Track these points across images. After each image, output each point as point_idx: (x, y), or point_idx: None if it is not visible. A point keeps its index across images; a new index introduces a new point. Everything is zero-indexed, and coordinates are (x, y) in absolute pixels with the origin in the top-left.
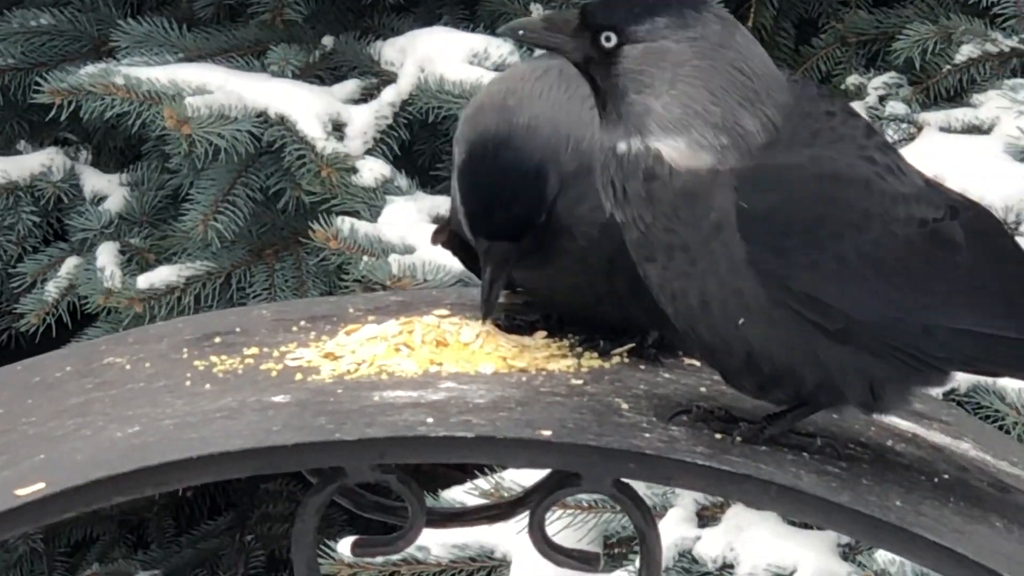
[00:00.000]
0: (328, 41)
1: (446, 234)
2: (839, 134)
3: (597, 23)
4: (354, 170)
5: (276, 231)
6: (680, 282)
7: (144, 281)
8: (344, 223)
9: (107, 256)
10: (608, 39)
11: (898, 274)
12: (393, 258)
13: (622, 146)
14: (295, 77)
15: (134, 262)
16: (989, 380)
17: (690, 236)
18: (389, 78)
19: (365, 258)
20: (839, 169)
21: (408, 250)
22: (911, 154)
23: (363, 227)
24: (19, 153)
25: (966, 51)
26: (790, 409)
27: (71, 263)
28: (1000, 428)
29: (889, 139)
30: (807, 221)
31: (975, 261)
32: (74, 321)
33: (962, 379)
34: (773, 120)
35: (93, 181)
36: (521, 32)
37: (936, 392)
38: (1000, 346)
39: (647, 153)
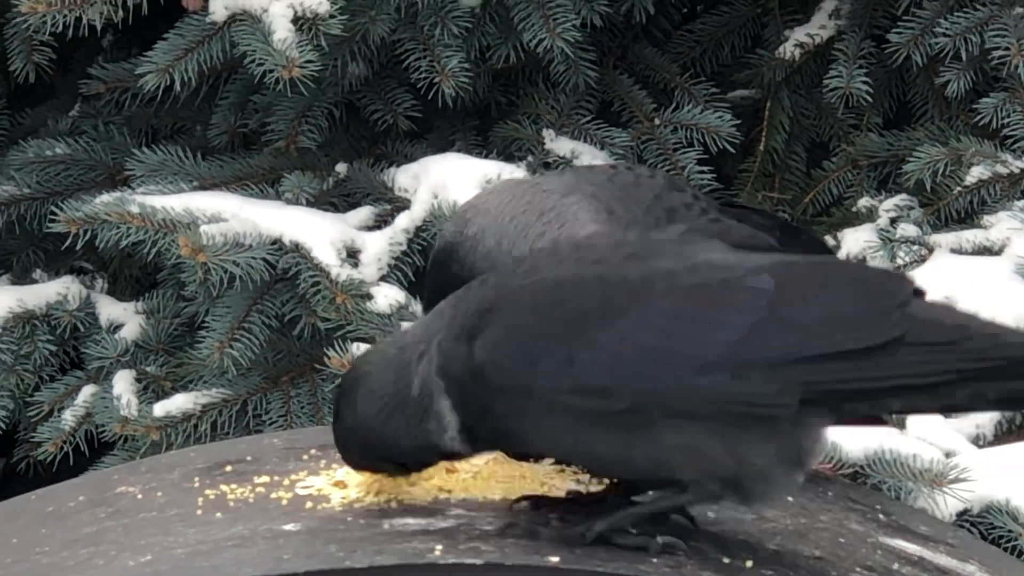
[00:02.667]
0: (342, 168)
1: None
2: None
3: None
4: (369, 296)
5: (292, 358)
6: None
7: (160, 409)
8: (359, 349)
9: (123, 384)
10: None
11: (672, 334)
12: None
13: None
14: (309, 204)
15: (150, 390)
16: (1001, 499)
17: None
18: (403, 204)
19: None
20: (566, 277)
21: None
22: (923, 275)
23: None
24: (35, 282)
25: (976, 173)
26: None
27: (87, 391)
28: (1013, 548)
29: (900, 262)
30: (540, 330)
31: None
32: (91, 449)
33: (975, 499)
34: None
35: (109, 309)
36: None
37: (921, 506)
38: (843, 363)
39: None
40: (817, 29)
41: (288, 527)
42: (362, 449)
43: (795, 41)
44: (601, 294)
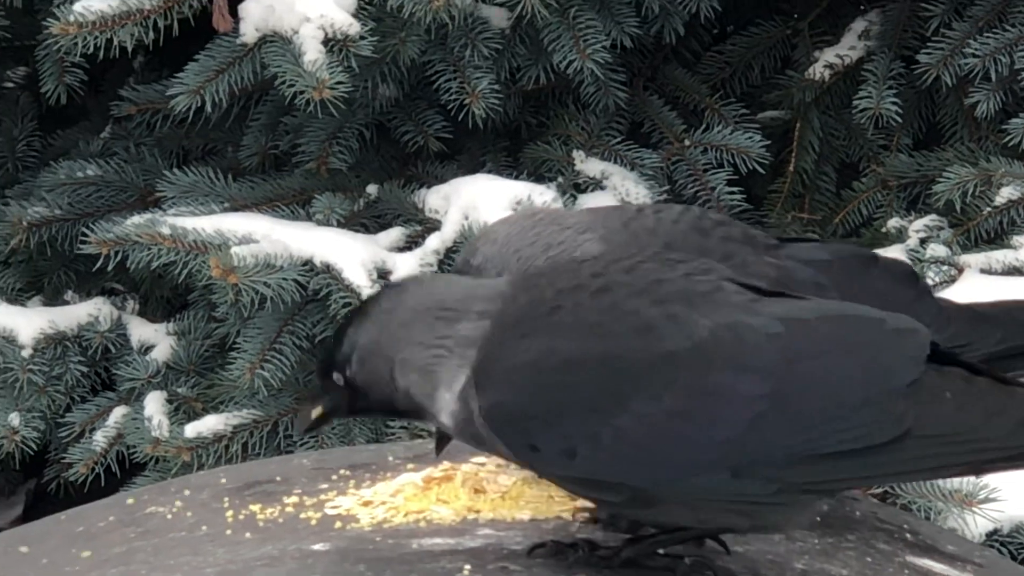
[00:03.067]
0: (372, 189)
1: None
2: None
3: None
4: None
5: None
6: None
7: (192, 430)
8: None
9: (155, 405)
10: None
11: (672, 432)
12: None
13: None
14: (340, 225)
15: (182, 411)
16: None
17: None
18: (433, 225)
19: None
20: (570, 355)
21: None
22: (952, 296)
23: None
24: (66, 303)
25: (1006, 193)
26: (657, 535)
27: (119, 412)
28: None
29: (931, 282)
30: (544, 413)
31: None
32: (122, 470)
33: (1005, 519)
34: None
35: (140, 331)
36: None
37: (951, 526)
38: (846, 461)
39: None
40: (847, 50)
41: (317, 547)
42: (358, 364)
43: (825, 62)
44: (603, 380)
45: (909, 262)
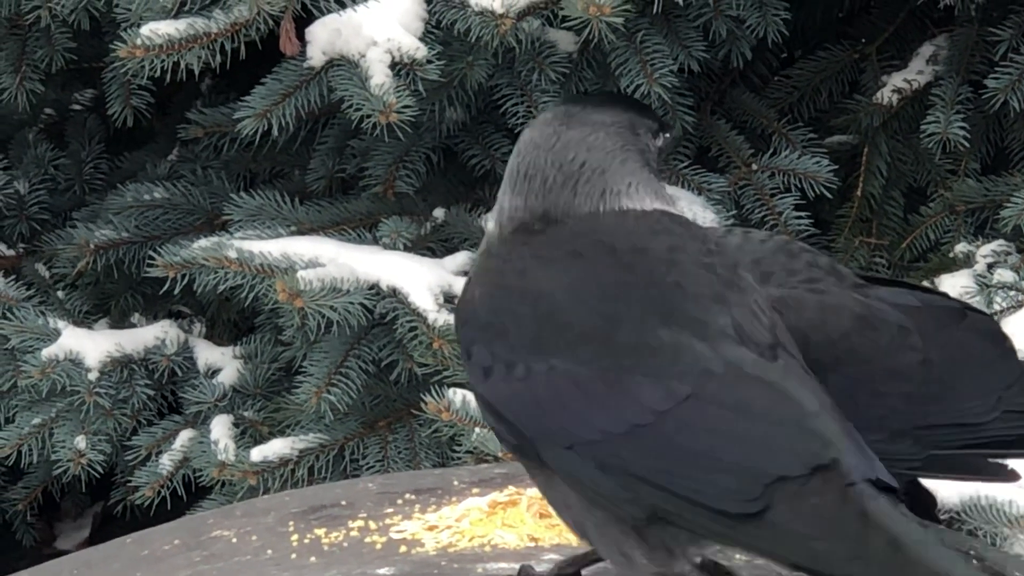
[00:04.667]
0: (439, 213)
1: None
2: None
3: None
4: None
5: (389, 403)
6: None
7: (258, 454)
8: (456, 395)
9: (221, 429)
10: None
11: (571, 402)
12: None
13: None
14: (407, 249)
15: (248, 435)
16: None
17: None
18: None
19: (477, 430)
20: (546, 290)
21: None
22: (1020, 321)
23: (475, 399)
24: (133, 326)
25: None
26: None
27: (185, 436)
28: None
29: (997, 307)
30: (490, 326)
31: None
32: (188, 493)
33: None
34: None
35: (207, 354)
36: None
37: (1017, 552)
38: (696, 508)
39: None
40: (915, 74)
41: (382, 571)
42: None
43: (892, 87)
44: (549, 324)
45: (976, 287)
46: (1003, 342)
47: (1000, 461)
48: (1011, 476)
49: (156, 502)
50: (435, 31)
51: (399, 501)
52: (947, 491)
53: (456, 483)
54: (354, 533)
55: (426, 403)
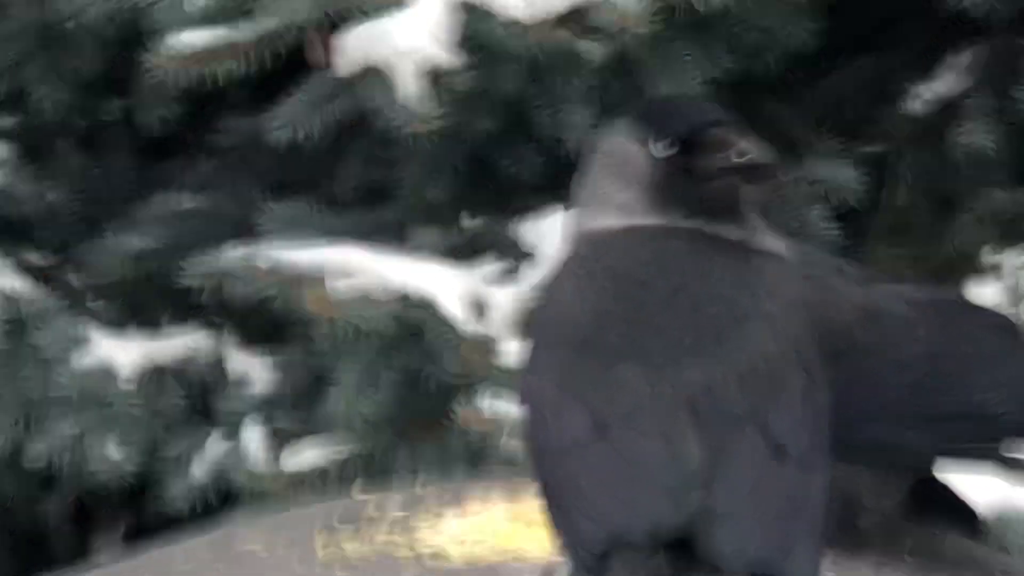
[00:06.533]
0: (469, 223)
1: None
2: None
3: None
4: (497, 351)
5: (420, 412)
6: None
7: (290, 463)
8: (487, 404)
9: (253, 438)
10: None
11: None
12: None
13: None
14: (437, 258)
15: (280, 444)
16: None
17: None
18: (530, 259)
19: (507, 439)
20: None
21: None
22: None
23: (506, 407)
24: (166, 336)
25: None
26: None
27: (217, 445)
28: None
29: None
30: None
31: None
32: (220, 503)
33: None
34: None
35: (239, 363)
36: None
37: None
38: None
39: None
40: (945, 85)
41: None
42: None
43: (922, 97)
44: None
45: (1007, 298)
46: (1016, 336)
47: (1017, 455)
48: None
49: (188, 512)
50: (465, 41)
51: (425, 512)
52: (976, 501)
53: (483, 492)
54: (381, 545)
55: (457, 413)
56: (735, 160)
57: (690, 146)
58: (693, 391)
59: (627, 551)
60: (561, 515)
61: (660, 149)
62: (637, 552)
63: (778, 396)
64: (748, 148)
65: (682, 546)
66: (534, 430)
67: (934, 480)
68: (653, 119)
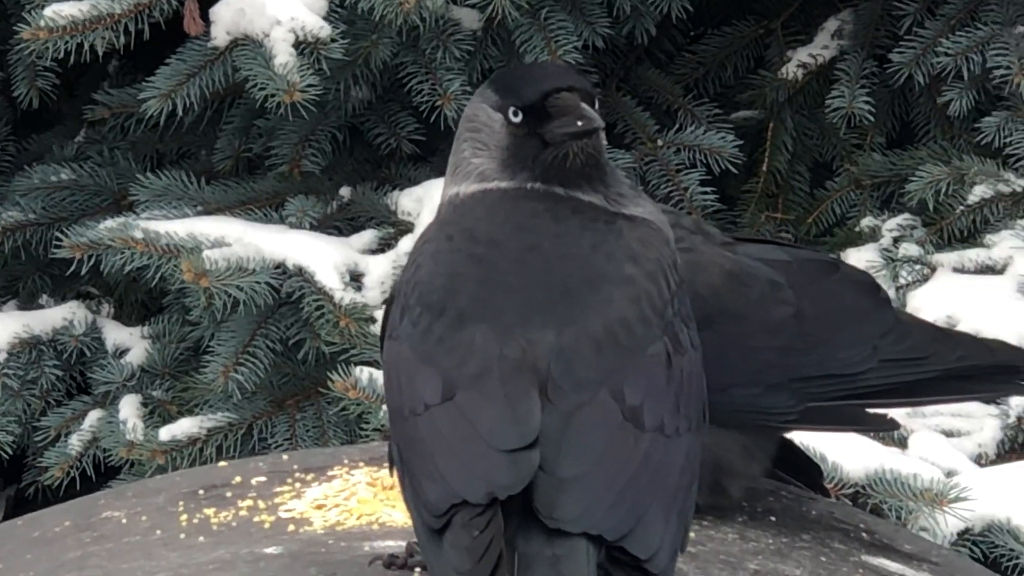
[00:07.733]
0: (345, 192)
1: None
2: None
3: None
4: (372, 320)
5: (296, 381)
6: None
7: (166, 433)
8: (363, 373)
9: (129, 409)
10: None
11: None
12: None
13: None
14: (313, 228)
15: (156, 414)
16: (1003, 518)
17: None
18: (406, 228)
19: (384, 408)
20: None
21: None
22: (925, 295)
23: (382, 377)
24: (41, 307)
25: (979, 192)
26: None
27: (94, 416)
28: (1014, 568)
29: (903, 280)
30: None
31: None
32: (98, 474)
33: (976, 519)
34: None
35: (115, 334)
36: None
37: (922, 526)
38: None
39: None
40: (820, 49)
41: (270, 550)
42: None
43: (798, 62)
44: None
45: (882, 261)
46: (876, 292)
47: (879, 411)
48: (890, 425)
49: (67, 483)
50: (339, 10)
51: (289, 480)
52: (851, 465)
53: (346, 461)
54: (243, 512)
55: (333, 382)
56: (576, 127)
57: (538, 112)
58: (544, 353)
59: (467, 511)
60: (408, 476)
61: (513, 115)
62: (476, 512)
63: (636, 362)
64: (588, 114)
65: (526, 507)
66: (390, 395)
67: (782, 439)
68: (508, 85)
